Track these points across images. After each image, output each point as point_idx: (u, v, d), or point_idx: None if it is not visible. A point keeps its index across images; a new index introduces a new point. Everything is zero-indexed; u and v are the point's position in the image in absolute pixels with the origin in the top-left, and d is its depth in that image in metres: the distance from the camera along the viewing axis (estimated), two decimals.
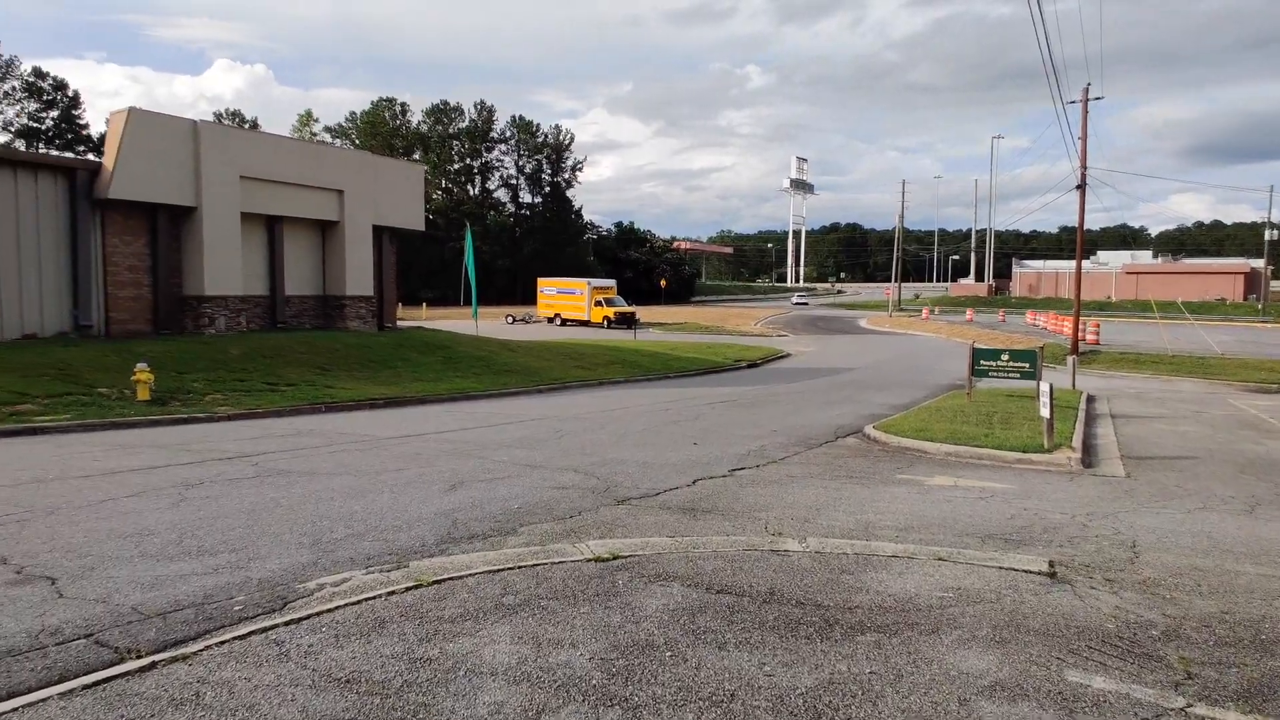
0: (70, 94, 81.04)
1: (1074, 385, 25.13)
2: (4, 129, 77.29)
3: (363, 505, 8.56)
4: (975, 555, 7.02)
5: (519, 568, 6.18)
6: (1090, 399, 23.11)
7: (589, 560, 6.42)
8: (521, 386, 23.27)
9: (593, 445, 13.41)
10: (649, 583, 5.90)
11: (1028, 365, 20.73)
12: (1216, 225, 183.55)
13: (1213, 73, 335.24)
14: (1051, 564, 6.81)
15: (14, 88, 77.96)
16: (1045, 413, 14.19)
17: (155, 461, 10.90)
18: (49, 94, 79.83)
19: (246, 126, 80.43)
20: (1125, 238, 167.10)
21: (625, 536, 7.44)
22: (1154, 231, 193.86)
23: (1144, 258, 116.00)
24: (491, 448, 12.85)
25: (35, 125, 78.66)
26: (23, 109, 78.72)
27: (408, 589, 5.67)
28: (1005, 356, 21.60)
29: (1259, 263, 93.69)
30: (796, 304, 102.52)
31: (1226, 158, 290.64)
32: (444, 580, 5.86)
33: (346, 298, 29.88)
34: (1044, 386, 14.59)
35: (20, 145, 72.10)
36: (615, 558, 6.50)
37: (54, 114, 79.90)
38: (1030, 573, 6.50)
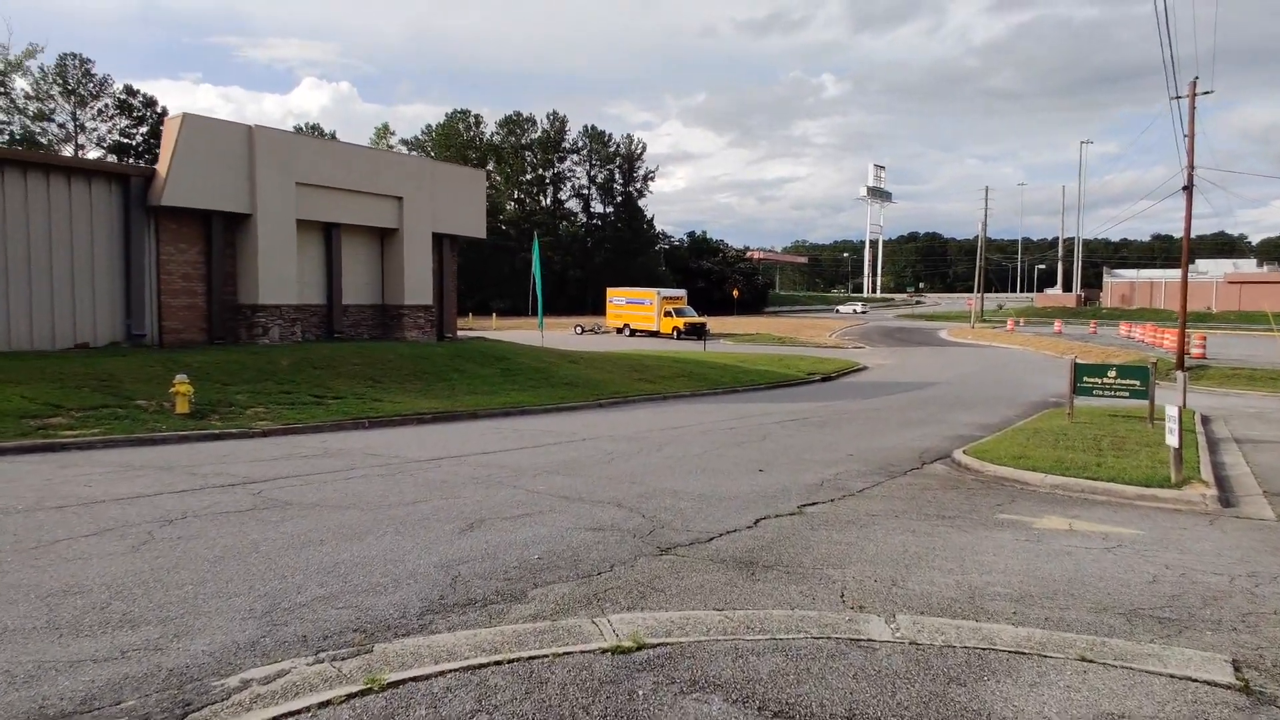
0: (159, 110, 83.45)
1: (1184, 404, 22.67)
2: (97, 145, 80.00)
3: (353, 552, 7.16)
4: (1128, 649, 5.21)
5: (510, 661, 4.63)
6: (1205, 419, 20.76)
7: (605, 651, 4.83)
8: (579, 401, 21.93)
9: (644, 471, 11.88)
10: (680, 695, 4.28)
11: (1138, 383, 18.60)
12: None
13: None
14: (1237, 667, 4.99)
15: (106, 105, 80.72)
16: (1173, 440, 12.11)
17: (148, 488, 9.74)
18: (139, 110, 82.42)
19: (326, 137, 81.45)
20: (1224, 245, 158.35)
21: (661, 608, 5.84)
22: (1255, 239, 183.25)
23: (1247, 266, 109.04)
24: (529, 474, 11.43)
25: (126, 141, 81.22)
26: (114, 125, 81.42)
27: (350, 696, 4.17)
28: (1112, 373, 19.45)
29: None
30: (858, 314, 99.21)
31: None
32: (405, 682, 4.34)
33: (405, 307, 29.00)
34: (1170, 410, 12.51)
35: (113, 159, 74.27)
36: (640, 647, 4.90)
37: (144, 130, 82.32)
38: (1215, 685, 4.67)
